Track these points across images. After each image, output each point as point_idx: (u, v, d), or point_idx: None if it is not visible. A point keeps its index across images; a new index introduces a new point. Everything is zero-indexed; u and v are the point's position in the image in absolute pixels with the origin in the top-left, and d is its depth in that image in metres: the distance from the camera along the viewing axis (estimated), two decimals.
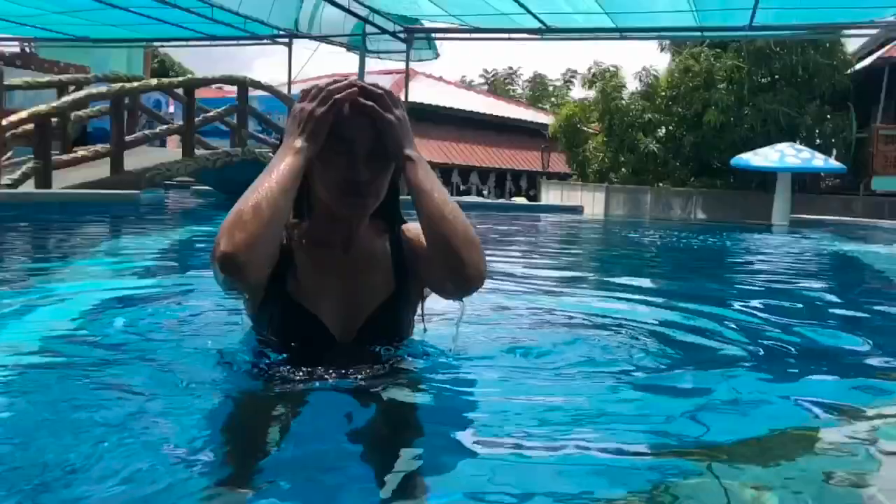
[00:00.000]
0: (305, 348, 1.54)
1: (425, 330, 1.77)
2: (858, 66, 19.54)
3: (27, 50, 17.74)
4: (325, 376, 1.48)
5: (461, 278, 1.47)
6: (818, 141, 19.24)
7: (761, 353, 2.13)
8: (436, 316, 2.36)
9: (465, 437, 1.32)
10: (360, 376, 1.49)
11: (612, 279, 4.40)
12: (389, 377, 1.52)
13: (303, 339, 1.55)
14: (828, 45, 18.40)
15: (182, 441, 1.19)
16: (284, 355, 1.54)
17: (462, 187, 25.81)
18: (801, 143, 18.13)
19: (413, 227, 1.63)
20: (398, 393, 1.45)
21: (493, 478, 1.14)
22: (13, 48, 17.43)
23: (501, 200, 23.14)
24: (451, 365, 1.70)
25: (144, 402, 1.37)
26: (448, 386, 1.56)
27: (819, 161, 16.92)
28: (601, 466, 1.23)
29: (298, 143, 1.44)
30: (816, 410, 1.61)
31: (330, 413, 1.36)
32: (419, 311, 1.72)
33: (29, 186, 7.83)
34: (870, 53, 19.32)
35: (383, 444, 1.25)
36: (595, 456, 1.26)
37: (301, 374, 1.49)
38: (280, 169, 1.41)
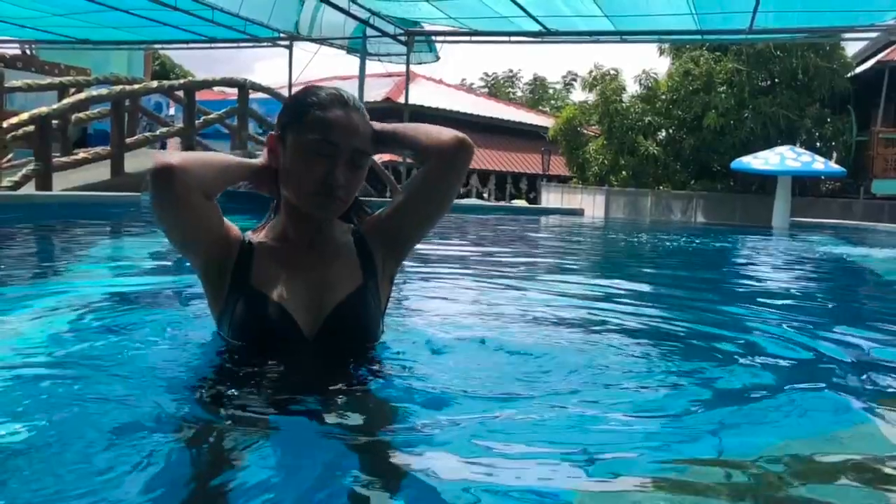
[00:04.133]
0: (273, 343, 1.54)
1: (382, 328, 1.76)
2: (858, 70, 19.56)
3: (28, 52, 17.74)
4: (294, 389, 1.45)
5: (461, 146, 1.64)
6: (818, 144, 19.27)
7: (756, 355, 2.13)
8: (410, 319, 2.37)
9: (439, 446, 1.29)
10: (330, 387, 1.47)
11: (610, 281, 4.40)
12: (360, 385, 1.51)
13: (270, 331, 1.54)
14: (828, 48, 18.42)
15: (148, 468, 1.13)
16: (252, 360, 1.53)
17: (462, 190, 25.81)
18: (801, 147, 18.15)
19: (368, 218, 1.76)
20: (371, 405, 1.42)
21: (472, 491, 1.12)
22: (14, 50, 17.44)
23: (502, 203, 23.14)
24: (429, 371, 1.68)
25: (115, 420, 1.31)
26: (426, 395, 1.51)
27: (819, 164, 16.93)
28: (589, 473, 1.22)
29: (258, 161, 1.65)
30: (814, 413, 1.61)
31: (301, 433, 1.30)
32: (385, 309, 1.76)
33: (30, 188, 7.84)
34: (870, 57, 19.34)
35: (360, 463, 1.20)
36: (581, 462, 1.25)
37: (270, 386, 1.45)
38: (238, 159, 1.62)
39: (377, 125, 1.66)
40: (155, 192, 1.42)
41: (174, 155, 1.43)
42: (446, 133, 1.66)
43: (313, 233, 1.62)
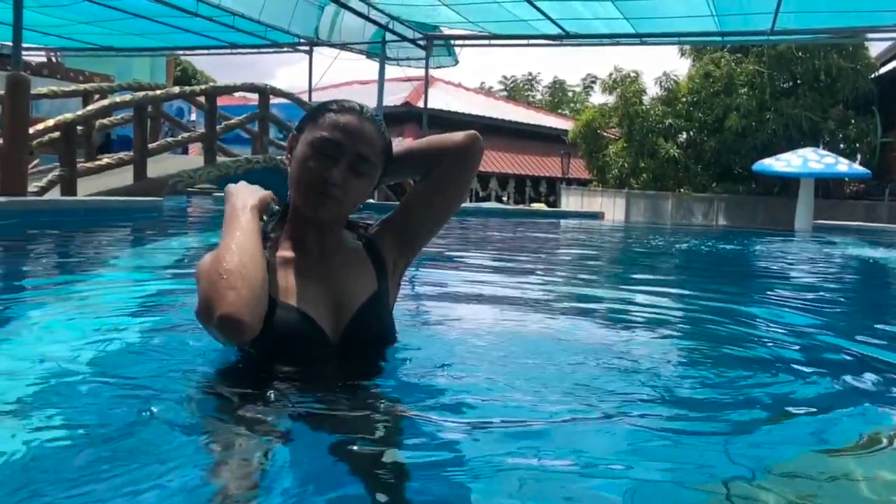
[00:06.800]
0: (297, 349, 1.53)
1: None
2: (882, 70, 19.32)
3: (53, 59, 18.04)
4: (320, 395, 1.45)
5: (473, 142, 1.70)
6: (842, 146, 19.04)
7: (781, 366, 2.09)
8: (427, 322, 2.37)
9: (459, 456, 1.27)
10: (356, 393, 1.48)
11: (632, 285, 4.37)
12: (385, 391, 1.51)
13: (294, 338, 1.52)
14: (851, 48, 18.21)
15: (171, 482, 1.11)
16: (277, 366, 1.52)
17: (481, 193, 25.82)
18: (824, 148, 17.95)
19: (377, 222, 1.77)
20: (395, 414, 1.41)
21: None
22: (40, 58, 17.73)
23: (521, 207, 23.09)
24: (449, 376, 1.67)
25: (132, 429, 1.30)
26: (447, 401, 1.51)
27: (843, 166, 16.73)
28: (599, 482, 1.20)
29: (246, 203, 1.58)
30: (836, 423, 1.59)
31: (326, 440, 1.29)
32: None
33: (55, 193, 7.95)
34: (894, 57, 19.08)
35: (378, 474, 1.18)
36: (593, 471, 1.23)
37: (295, 392, 1.45)
38: (245, 229, 1.51)
39: (394, 148, 1.68)
40: (223, 339, 1.42)
41: (224, 293, 1.37)
42: (457, 133, 1.71)
43: (318, 238, 1.63)
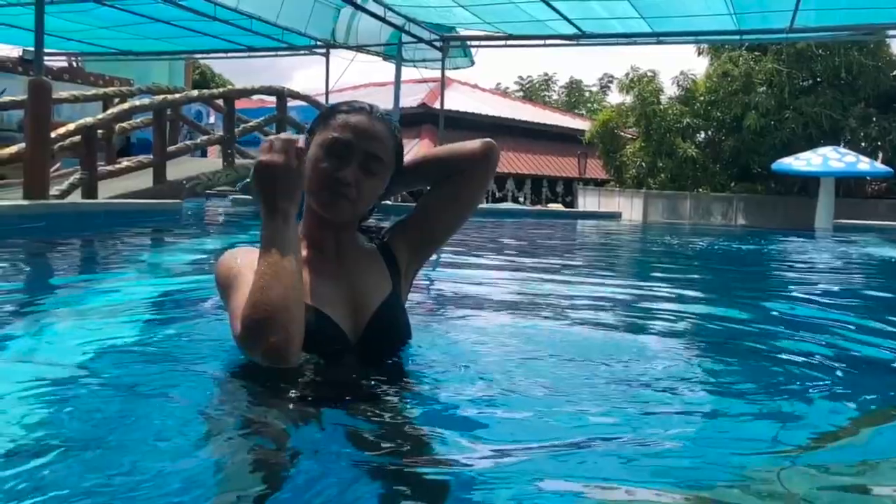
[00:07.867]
0: (315, 350, 1.50)
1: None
2: None
3: (74, 64, 18.23)
4: (339, 395, 1.45)
5: (491, 149, 1.71)
6: (863, 144, 18.80)
7: (804, 369, 2.07)
8: (446, 323, 2.36)
9: (477, 454, 1.26)
10: (373, 393, 1.48)
11: (651, 284, 4.35)
12: (402, 391, 1.51)
13: (313, 337, 1.48)
14: (872, 45, 17.99)
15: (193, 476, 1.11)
16: (297, 370, 1.48)
17: (498, 194, 25.77)
18: (845, 147, 17.73)
19: (391, 225, 1.78)
20: (410, 421, 1.40)
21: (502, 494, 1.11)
22: (61, 63, 17.92)
23: (538, 207, 23.02)
24: (466, 377, 1.68)
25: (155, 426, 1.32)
26: (462, 407, 1.50)
27: (864, 165, 16.52)
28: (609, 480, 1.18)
29: (284, 206, 1.45)
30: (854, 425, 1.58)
31: (343, 440, 1.29)
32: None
33: (76, 196, 8.04)
34: None
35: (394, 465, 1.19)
36: (601, 469, 1.22)
37: (313, 393, 1.45)
38: (286, 244, 1.43)
39: (409, 157, 1.70)
40: (265, 364, 1.40)
41: (271, 325, 1.35)
42: (473, 142, 1.72)
43: (333, 238, 1.63)
